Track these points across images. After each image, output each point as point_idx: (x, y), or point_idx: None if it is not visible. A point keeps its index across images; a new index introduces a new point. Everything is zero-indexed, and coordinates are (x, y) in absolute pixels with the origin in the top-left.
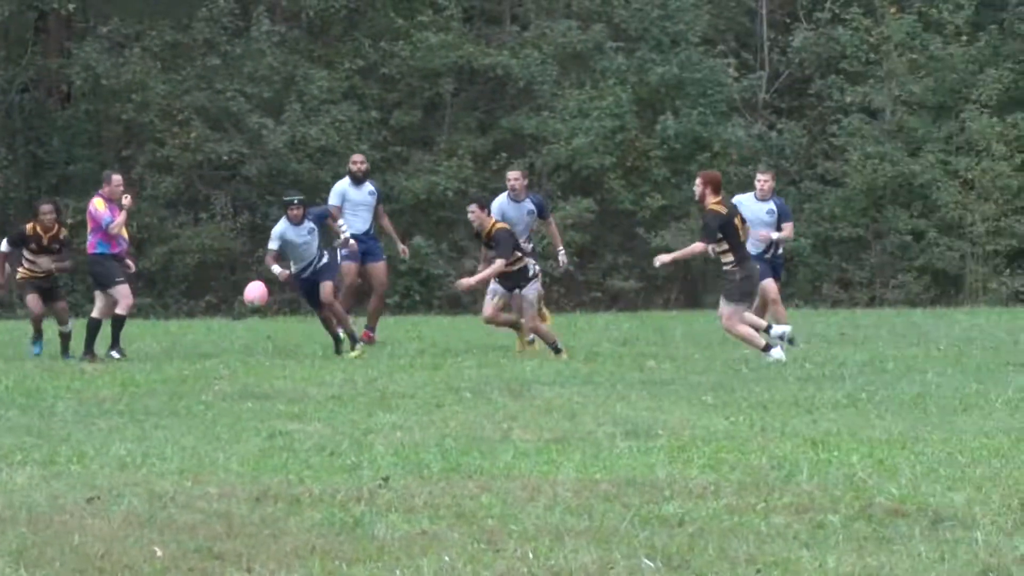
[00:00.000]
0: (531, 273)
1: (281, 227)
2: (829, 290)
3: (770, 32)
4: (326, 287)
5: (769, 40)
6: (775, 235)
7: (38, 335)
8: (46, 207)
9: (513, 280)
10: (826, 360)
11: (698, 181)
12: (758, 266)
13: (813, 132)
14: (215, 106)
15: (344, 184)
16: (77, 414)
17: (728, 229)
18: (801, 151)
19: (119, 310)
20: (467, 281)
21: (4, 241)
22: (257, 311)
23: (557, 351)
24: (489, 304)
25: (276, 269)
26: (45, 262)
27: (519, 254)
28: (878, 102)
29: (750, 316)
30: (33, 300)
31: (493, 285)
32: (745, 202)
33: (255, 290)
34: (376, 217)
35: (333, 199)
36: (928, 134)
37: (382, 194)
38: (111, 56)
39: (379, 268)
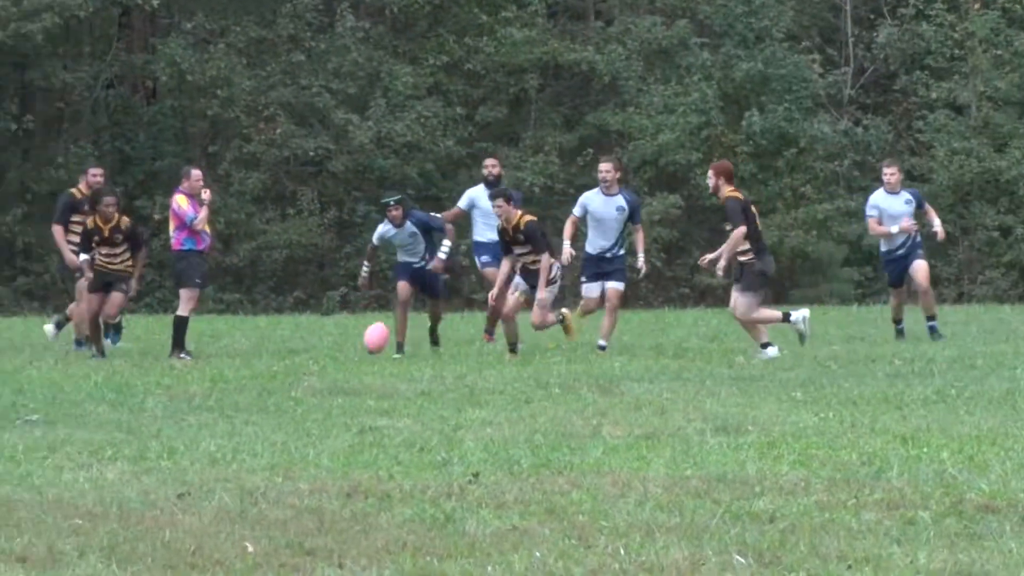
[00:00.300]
0: (553, 275)
1: (382, 228)
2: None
3: (854, 28)
4: (510, 301)
5: (853, 36)
6: (913, 225)
7: (94, 338)
8: (108, 199)
9: (536, 278)
10: (915, 356)
11: (711, 172)
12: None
13: (898, 128)
14: (300, 102)
15: (478, 190)
16: (167, 410)
17: (748, 215)
18: (887, 147)
19: (181, 311)
20: (540, 295)
21: (81, 253)
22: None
23: (513, 350)
24: (512, 299)
25: (363, 273)
26: (108, 251)
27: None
28: (963, 98)
29: (766, 311)
30: (92, 301)
31: (517, 278)
32: (879, 200)
33: (376, 336)
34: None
35: (462, 203)
36: (1014, 130)
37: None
38: (196, 52)
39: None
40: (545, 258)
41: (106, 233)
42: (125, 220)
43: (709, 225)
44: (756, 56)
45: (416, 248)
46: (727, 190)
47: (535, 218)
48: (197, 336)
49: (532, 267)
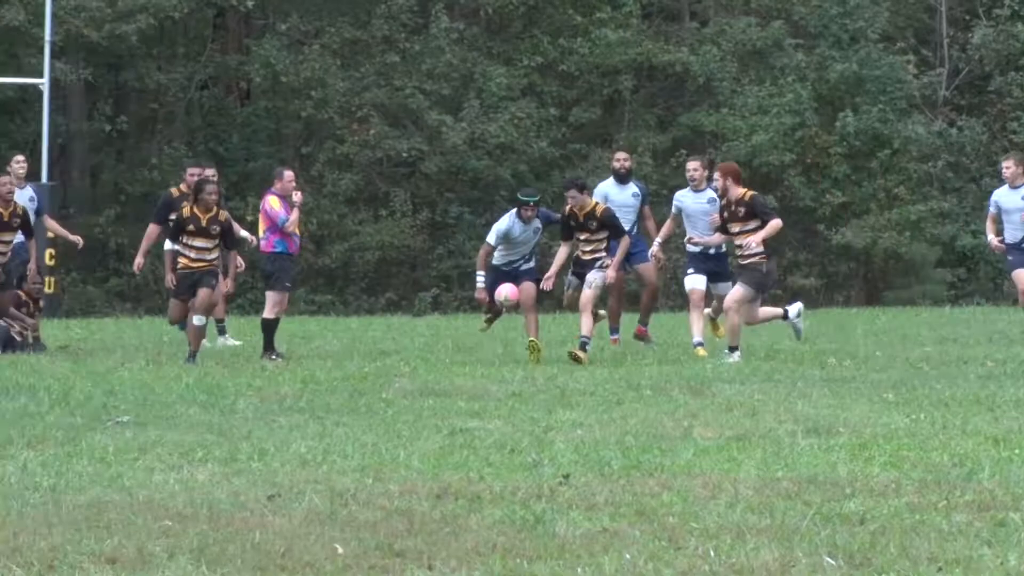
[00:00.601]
0: (601, 264)
1: (507, 223)
2: (1011, 288)
3: (949, 29)
4: (528, 288)
5: (948, 37)
6: None
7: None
8: (211, 187)
9: (587, 268)
10: (1007, 358)
11: (717, 175)
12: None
13: (993, 129)
14: (394, 103)
15: (607, 184)
16: (258, 411)
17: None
18: (981, 148)
19: (268, 314)
20: (611, 273)
21: (167, 241)
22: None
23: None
24: (567, 296)
25: (480, 283)
26: (202, 245)
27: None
28: None
29: (766, 310)
30: (176, 307)
31: (569, 276)
32: (999, 195)
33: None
34: (641, 219)
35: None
36: None
37: (647, 194)
38: (290, 53)
39: (648, 268)
40: (626, 240)
41: (204, 222)
42: (224, 213)
43: (802, 226)
44: (851, 57)
45: (530, 244)
46: (739, 191)
47: (609, 208)
48: (288, 337)
49: (586, 257)
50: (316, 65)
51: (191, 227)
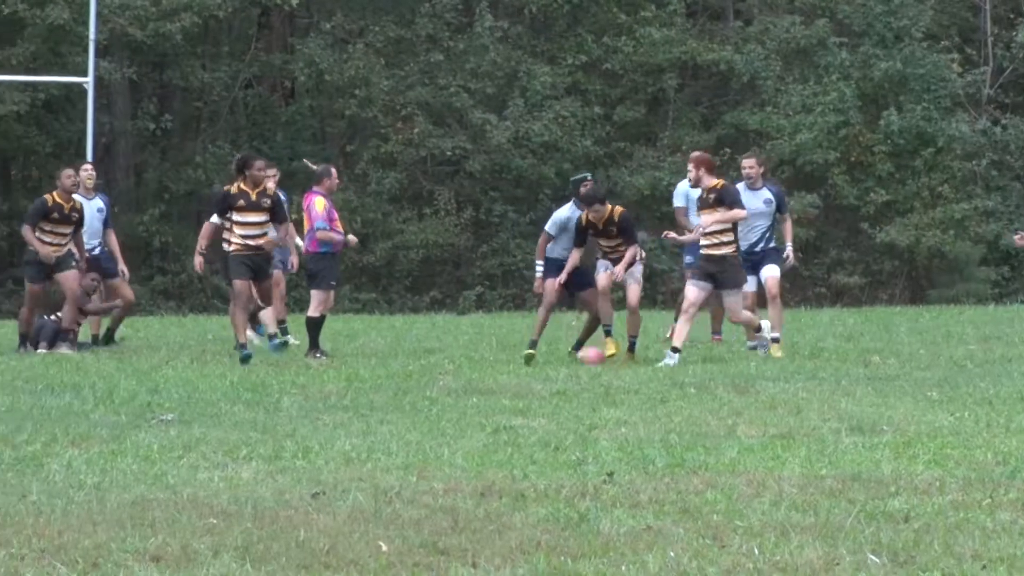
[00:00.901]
0: (635, 262)
1: (567, 211)
2: None
3: (994, 27)
4: (601, 279)
5: (993, 35)
6: None
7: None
8: (259, 162)
9: (617, 263)
10: None
11: (690, 165)
12: None
13: None
14: (438, 102)
15: (685, 184)
16: (302, 409)
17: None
18: None
19: (312, 312)
20: (619, 269)
21: (214, 215)
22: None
23: (609, 333)
24: (603, 276)
25: (540, 273)
26: (255, 221)
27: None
28: None
29: (748, 314)
30: (242, 286)
31: (604, 261)
32: None
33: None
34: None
35: (678, 200)
36: None
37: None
38: (334, 52)
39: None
40: (634, 248)
41: (253, 197)
42: (272, 187)
43: (846, 225)
44: (895, 55)
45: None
46: (711, 180)
47: (625, 209)
48: (333, 335)
49: (612, 255)
50: (360, 64)
51: (241, 202)
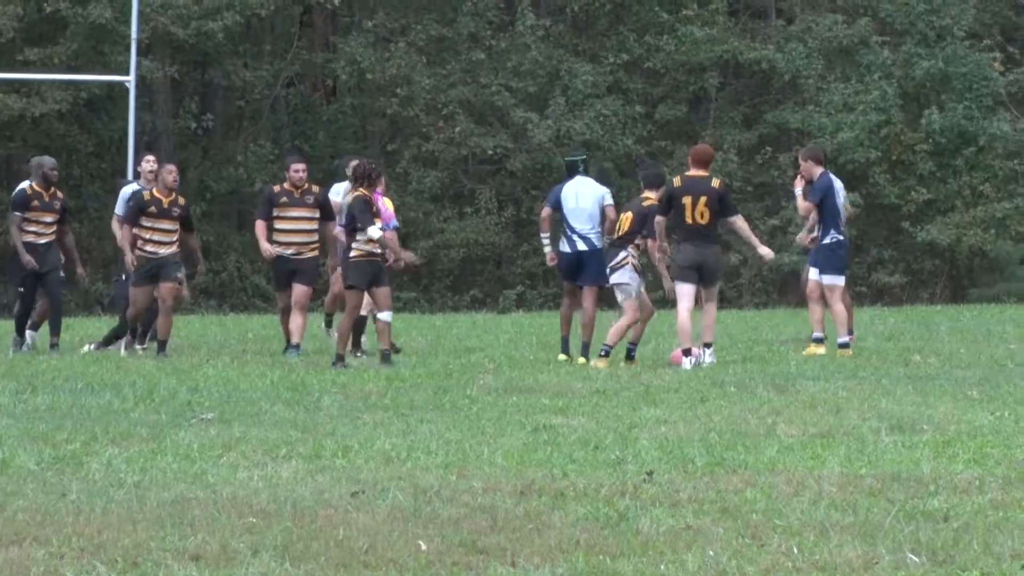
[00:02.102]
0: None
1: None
2: None
3: None
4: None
5: None
6: None
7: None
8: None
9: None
10: None
11: (689, 160)
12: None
13: None
14: (480, 100)
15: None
16: (342, 408)
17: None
18: None
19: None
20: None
21: (259, 219)
22: None
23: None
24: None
25: (545, 241)
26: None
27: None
28: None
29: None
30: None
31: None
32: None
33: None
34: None
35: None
36: None
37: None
38: (376, 50)
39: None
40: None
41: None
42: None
43: (887, 224)
44: (937, 54)
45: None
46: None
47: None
48: (373, 335)
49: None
50: (402, 62)
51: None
